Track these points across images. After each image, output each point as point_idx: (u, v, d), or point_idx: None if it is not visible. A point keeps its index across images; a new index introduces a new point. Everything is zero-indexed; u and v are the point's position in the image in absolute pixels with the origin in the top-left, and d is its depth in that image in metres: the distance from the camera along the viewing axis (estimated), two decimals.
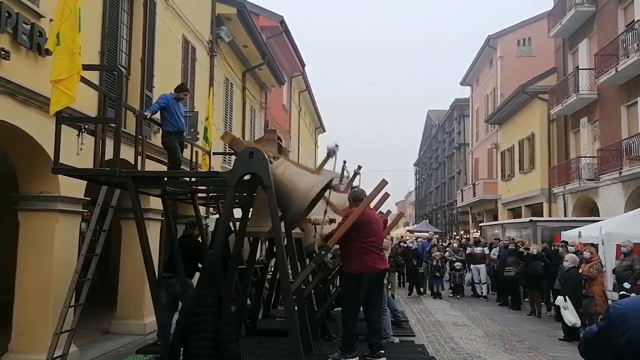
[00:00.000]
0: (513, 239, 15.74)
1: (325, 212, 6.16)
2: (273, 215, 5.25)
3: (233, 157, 9.05)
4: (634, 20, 15.51)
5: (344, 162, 8.65)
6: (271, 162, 5.40)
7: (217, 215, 9.56)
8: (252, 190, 5.87)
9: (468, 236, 26.76)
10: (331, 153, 6.20)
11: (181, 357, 4.57)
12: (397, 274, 16.68)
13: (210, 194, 8.48)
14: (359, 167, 8.84)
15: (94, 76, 7.39)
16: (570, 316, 9.59)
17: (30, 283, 6.86)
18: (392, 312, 9.02)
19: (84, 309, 6.65)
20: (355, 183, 8.25)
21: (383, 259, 6.03)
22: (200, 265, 7.65)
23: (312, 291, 7.06)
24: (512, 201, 25.55)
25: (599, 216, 16.24)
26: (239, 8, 13.39)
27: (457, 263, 16.52)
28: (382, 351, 5.91)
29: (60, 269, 6.97)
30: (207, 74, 12.81)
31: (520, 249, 13.88)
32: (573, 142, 20.51)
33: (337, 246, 6.18)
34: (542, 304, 13.16)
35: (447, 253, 17.23)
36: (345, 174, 7.87)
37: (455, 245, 18.08)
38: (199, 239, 8.28)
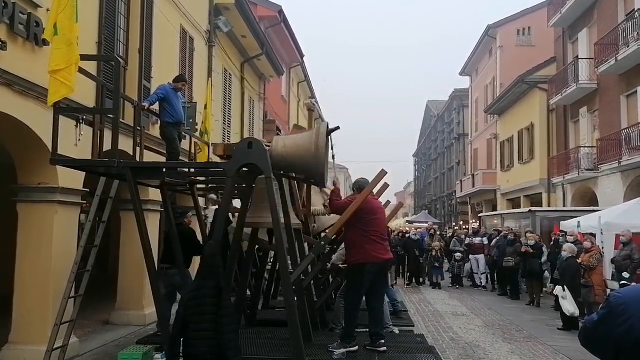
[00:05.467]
0: (512, 229, 15.77)
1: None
2: (272, 205, 5.24)
3: None
4: (634, 10, 15.41)
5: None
6: (268, 147, 5.39)
7: (217, 206, 9.55)
8: (252, 181, 5.86)
9: (467, 227, 26.80)
10: (310, 107, 6.23)
11: (181, 348, 4.58)
12: (395, 265, 16.68)
13: (210, 185, 8.47)
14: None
15: (91, 67, 7.35)
16: (569, 306, 9.62)
17: (30, 274, 6.86)
18: (391, 302, 9.05)
19: (83, 300, 6.65)
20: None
21: (386, 248, 6.04)
22: (194, 253, 7.67)
23: (312, 282, 7.07)
24: (512, 191, 25.56)
25: (598, 206, 16.26)
26: None
27: (458, 254, 16.55)
28: (383, 341, 5.93)
29: (60, 260, 6.97)
30: (205, 65, 12.75)
31: (516, 243, 13.92)
32: (572, 132, 20.48)
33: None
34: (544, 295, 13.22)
35: (453, 240, 17.20)
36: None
37: (462, 236, 17.94)
38: (199, 227, 8.28)
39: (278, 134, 6.54)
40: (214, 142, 8.53)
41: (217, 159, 10.69)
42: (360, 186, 6.19)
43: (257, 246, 7.45)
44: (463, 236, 17.91)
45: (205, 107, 10.12)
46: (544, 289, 13.47)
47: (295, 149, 5.38)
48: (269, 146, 5.48)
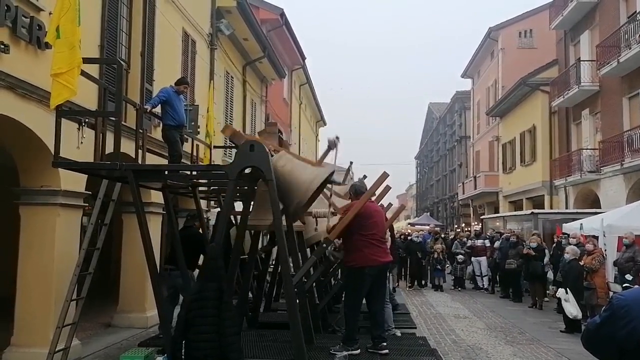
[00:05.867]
0: (514, 232, 15.74)
1: (330, 206, 6.17)
2: (274, 208, 5.24)
3: (234, 151, 9.05)
4: (636, 12, 15.42)
5: (350, 162, 8.60)
6: (272, 155, 5.39)
7: (218, 209, 9.56)
8: (253, 184, 5.86)
9: (469, 229, 26.74)
10: (332, 145, 6.17)
11: (183, 350, 4.58)
12: (397, 267, 16.61)
13: (212, 188, 8.48)
14: (351, 163, 8.69)
15: (93, 70, 7.37)
16: (571, 308, 9.60)
17: (32, 277, 6.87)
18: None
19: (85, 303, 6.66)
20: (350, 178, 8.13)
21: (385, 251, 6.02)
22: (202, 256, 7.67)
23: (314, 284, 7.06)
24: (514, 194, 25.53)
25: (600, 208, 16.22)
26: (239, 1, 13.33)
27: (460, 256, 16.51)
28: (385, 343, 5.92)
29: (62, 262, 6.97)
30: (207, 68, 12.78)
31: (518, 246, 13.90)
32: (574, 134, 20.46)
33: (338, 241, 6.19)
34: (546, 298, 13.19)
35: (455, 242, 17.13)
36: (350, 174, 7.85)
37: (464, 238, 17.87)
38: (200, 231, 8.29)
39: (280, 137, 6.53)
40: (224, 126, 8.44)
41: (219, 160, 10.76)
42: (356, 190, 6.15)
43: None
44: (465, 238, 17.85)
45: (208, 110, 10.14)
46: (547, 292, 13.44)
47: (289, 176, 5.37)
48: (271, 149, 5.49)
